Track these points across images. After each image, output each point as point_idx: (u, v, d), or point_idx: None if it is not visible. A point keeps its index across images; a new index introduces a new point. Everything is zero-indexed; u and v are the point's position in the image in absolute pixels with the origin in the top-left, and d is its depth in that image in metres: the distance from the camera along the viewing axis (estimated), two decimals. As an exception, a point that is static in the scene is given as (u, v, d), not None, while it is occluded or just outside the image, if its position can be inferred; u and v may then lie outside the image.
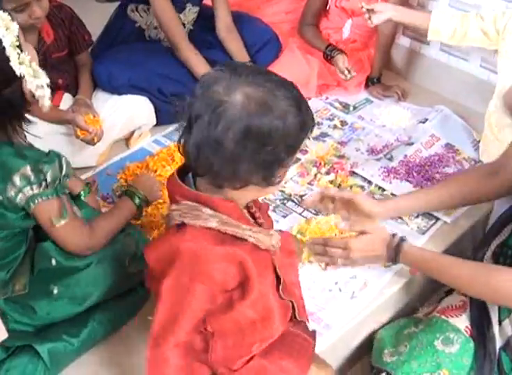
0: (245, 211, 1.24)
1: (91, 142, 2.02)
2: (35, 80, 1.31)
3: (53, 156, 1.41)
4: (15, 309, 1.49)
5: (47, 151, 1.42)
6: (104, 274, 1.52)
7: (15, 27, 1.29)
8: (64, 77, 2.12)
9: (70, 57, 2.14)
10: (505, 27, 1.94)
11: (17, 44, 1.28)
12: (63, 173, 1.41)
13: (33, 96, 1.34)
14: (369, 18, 2.08)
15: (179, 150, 1.16)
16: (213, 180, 1.13)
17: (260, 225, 1.26)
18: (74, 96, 2.14)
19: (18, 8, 1.87)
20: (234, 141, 1.06)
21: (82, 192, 1.71)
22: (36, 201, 1.37)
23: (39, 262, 1.49)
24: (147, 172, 2.03)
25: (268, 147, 1.07)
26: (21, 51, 1.29)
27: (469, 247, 1.95)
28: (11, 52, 1.27)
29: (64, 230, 1.42)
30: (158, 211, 1.91)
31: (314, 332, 1.42)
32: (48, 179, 1.37)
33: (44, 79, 1.32)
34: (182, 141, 1.13)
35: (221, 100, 1.05)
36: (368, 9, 2.08)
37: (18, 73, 1.29)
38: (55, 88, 2.09)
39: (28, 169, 1.34)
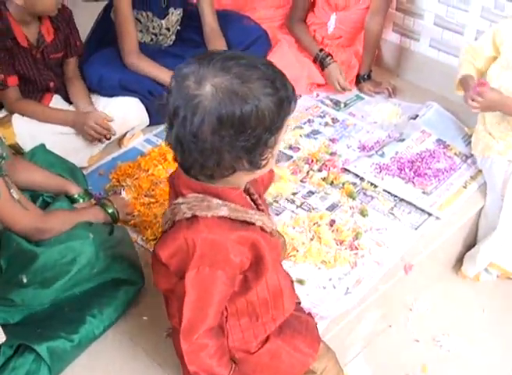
0: (248, 197, 1.27)
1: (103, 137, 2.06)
2: None
3: None
4: None
5: None
6: (71, 251, 1.50)
7: None
8: (55, 80, 2.12)
9: (63, 60, 2.14)
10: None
11: None
12: None
13: None
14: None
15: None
16: (202, 172, 1.14)
17: (261, 211, 1.29)
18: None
19: None
20: (210, 132, 1.06)
21: (78, 196, 1.73)
22: None
23: (4, 249, 1.50)
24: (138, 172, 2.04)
25: (246, 133, 1.07)
26: None
27: (460, 243, 1.96)
28: None
29: (2, 210, 1.43)
30: (150, 210, 1.91)
31: (310, 314, 1.49)
32: None
33: None
34: (168, 138, 1.14)
35: (193, 94, 1.05)
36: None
37: None
38: (44, 90, 2.09)
39: None
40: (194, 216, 1.16)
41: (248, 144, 1.08)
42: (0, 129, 1.95)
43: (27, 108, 2.01)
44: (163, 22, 2.37)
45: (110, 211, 1.73)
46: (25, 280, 1.47)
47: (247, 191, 1.28)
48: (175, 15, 2.40)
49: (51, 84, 2.10)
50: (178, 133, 1.08)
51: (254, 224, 1.20)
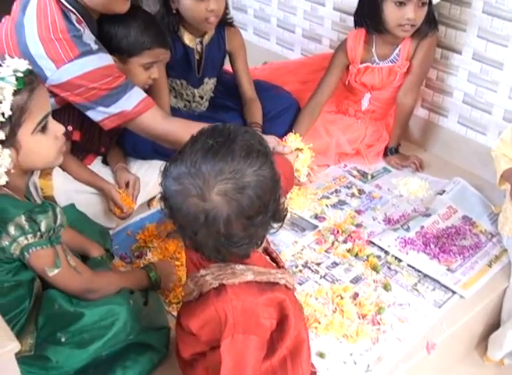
0: (267, 257, 1.31)
1: (120, 218, 2.09)
2: None
3: (47, 206, 1.44)
4: (27, 363, 1.47)
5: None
6: (110, 316, 1.51)
7: (7, 104, 1.31)
8: (107, 146, 2.20)
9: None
10: None
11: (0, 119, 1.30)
12: (58, 222, 1.44)
13: None
14: None
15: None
16: (238, 256, 1.21)
17: (281, 267, 1.32)
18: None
19: (147, 65, 2.02)
20: (242, 229, 1.14)
21: (100, 257, 1.77)
22: (30, 250, 1.40)
23: (44, 308, 1.51)
24: (164, 232, 2.07)
25: (268, 207, 1.15)
26: (0, 126, 1.31)
27: (483, 323, 1.94)
28: None
29: (58, 277, 1.46)
30: (174, 275, 1.92)
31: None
32: (42, 229, 1.40)
33: (5, 161, 1.35)
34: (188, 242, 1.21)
35: (206, 209, 1.11)
36: None
37: None
38: (94, 152, 2.17)
39: (22, 219, 1.37)
40: (221, 285, 1.19)
41: (273, 211, 1.17)
42: (40, 180, 1.99)
43: (70, 164, 2.05)
44: (196, 91, 2.45)
45: (153, 278, 1.74)
46: (63, 339, 1.47)
47: (265, 251, 1.31)
48: (209, 84, 2.48)
49: (102, 149, 2.18)
50: (207, 242, 1.15)
51: (278, 283, 1.23)
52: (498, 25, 2.27)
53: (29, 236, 1.38)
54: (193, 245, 1.20)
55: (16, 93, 1.32)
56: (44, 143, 1.42)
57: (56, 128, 1.46)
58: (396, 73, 2.45)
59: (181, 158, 1.15)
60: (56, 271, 1.44)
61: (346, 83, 2.53)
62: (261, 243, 1.24)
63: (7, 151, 1.34)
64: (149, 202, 2.27)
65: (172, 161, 1.17)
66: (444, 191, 2.34)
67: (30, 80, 1.37)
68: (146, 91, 2.18)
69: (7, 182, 1.37)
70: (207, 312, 1.19)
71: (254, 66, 2.71)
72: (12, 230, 1.37)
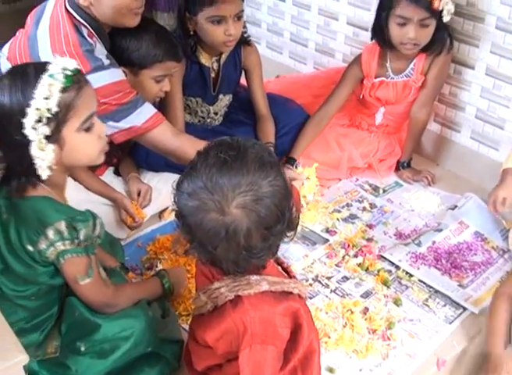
0: (279, 267, 1.32)
1: (131, 228, 2.10)
2: (39, 152, 1.35)
3: (88, 216, 1.45)
4: (50, 369, 1.50)
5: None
6: (129, 327, 1.52)
7: (54, 100, 1.33)
8: (119, 158, 2.22)
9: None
10: None
11: (46, 114, 1.32)
12: (96, 233, 1.46)
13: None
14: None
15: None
16: (255, 267, 1.23)
17: (292, 277, 1.33)
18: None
19: (159, 78, 2.02)
20: (261, 240, 1.15)
21: (116, 268, 1.76)
22: (66, 256, 1.41)
23: (66, 315, 1.52)
24: (181, 249, 2.07)
25: (285, 216, 1.17)
26: (46, 121, 1.33)
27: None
28: (30, 118, 1.32)
29: (87, 288, 1.47)
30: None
31: None
32: (81, 237, 1.41)
33: (49, 155, 1.36)
34: (202, 258, 1.22)
35: (225, 223, 1.12)
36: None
37: (28, 138, 1.33)
38: (106, 163, 2.19)
39: (63, 225, 1.39)
40: (237, 296, 1.20)
41: (287, 221, 1.19)
42: None
43: (82, 174, 2.06)
44: (211, 108, 2.46)
45: (166, 285, 1.74)
46: (83, 349, 1.48)
47: (276, 261, 1.32)
48: (224, 100, 2.49)
49: (115, 160, 2.20)
50: (227, 256, 1.16)
51: (292, 293, 1.24)
52: (511, 41, 2.27)
53: (66, 242, 1.40)
54: (211, 260, 1.20)
55: (63, 90, 1.35)
56: (88, 141, 1.44)
57: (100, 128, 1.48)
58: (411, 87, 2.45)
59: (195, 173, 1.16)
60: (87, 281, 1.46)
61: (361, 97, 2.53)
62: (276, 252, 1.25)
63: (51, 147, 1.36)
64: (160, 214, 2.28)
65: (184, 176, 1.18)
66: (456, 206, 2.33)
67: (78, 79, 1.40)
68: (161, 107, 2.21)
69: (48, 177, 1.39)
70: (224, 324, 1.20)
71: (267, 79, 2.72)
72: (51, 234, 1.38)
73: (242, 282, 1.20)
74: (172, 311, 1.77)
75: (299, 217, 1.26)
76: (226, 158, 1.14)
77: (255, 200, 1.13)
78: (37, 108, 1.32)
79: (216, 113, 2.49)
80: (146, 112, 1.91)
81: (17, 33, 1.96)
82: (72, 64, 1.40)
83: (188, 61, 2.29)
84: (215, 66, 2.39)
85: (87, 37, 1.85)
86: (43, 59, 1.78)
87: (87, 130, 1.43)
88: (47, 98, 1.32)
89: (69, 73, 1.37)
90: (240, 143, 1.19)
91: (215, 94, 2.44)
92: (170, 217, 2.27)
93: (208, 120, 2.49)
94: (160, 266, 2.00)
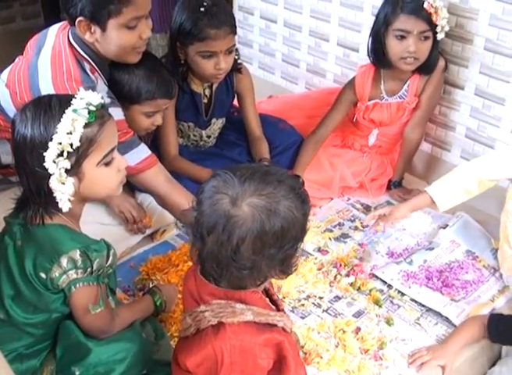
0: (267, 299, 1.30)
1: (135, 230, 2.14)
2: (59, 186, 1.36)
3: (102, 245, 1.46)
4: None
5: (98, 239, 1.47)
6: (123, 350, 1.52)
7: (77, 135, 1.34)
8: None
9: None
10: None
11: (67, 149, 1.33)
12: (108, 263, 1.47)
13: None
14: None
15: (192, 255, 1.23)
16: (233, 283, 1.19)
17: (281, 310, 1.32)
18: None
19: (149, 113, 2.03)
20: (252, 251, 1.13)
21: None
22: (77, 285, 1.41)
23: (61, 339, 1.52)
24: (168, 266, 2.07)
25: (283, 246, 1.16)
26: (67, 155, 1.34)
27: (485, 359, 1.93)
28: (52, 152, 1.33)
29: (95, 317, 1.47)
30: (177, 306, 1.92)
31: None
32: (94, 267, 1.42)
33: (69, 189, 1.37)
34: (194, 249, 1.20)
35: (230, 215, 1.12)
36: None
37: (48, 171, 1.34)
38: None
39: (77, 254, 1.39)
40: (220, 323, 1.18)
41: (283, 256, 1.18)
42: None
43: None
44: (204, 132, 2.47)
45: (158, 303, 1.74)
46: (77, 373, 1.48)
47: (266, 293, 1.31)
48: (217, 124, 2.50)
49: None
50: (213, 251, 1.13)
51: (276, 325, 1.22)
52: (500, 61, 2.30)
53: (79, 271, 1.40)
54: (199, 254, 1.19)
55: (86, 125, 1.36)
56: (107, 175, 1.45)
57: (120, 161, 1.49)
58: (405, 109, 2.47)
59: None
60: (99, 310, 1.46)
61: (354, 120, 2.55)
62: (261, 284, 1.24)
63: (71, 180, 1.36)
64: (152, 235, 2.28)
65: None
66: (447, 225, 2.34)
67: (102, 114, 1.41)
68: (155, 132, 2.24)
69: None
70: (204, 350, 1.19)
71: (259, 100, 2.74)
72: (64, 262, 1.39)
73: (227, 309, 1.19)
74: (165, 332, 1.76)
75: (291, 273, 1.25)
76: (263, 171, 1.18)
77: (268, 209, 1.13)
78: (59, 143, 1.33)
79: (209, 136, 2.51)
80: (140, 153, 1.92)
81: (17, 60, 1.96)
82: (96, 99, 1.40)
83: (180, 88, 2.30)
84: (207, 91, 2.40)
85: (89, 72, 1.84)
86: (42, 89, 1.78)
87: (107, 164, 1.44)
88: (69, 133, 1.33)
89: (92, 108, 1.37)
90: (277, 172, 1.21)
91: (207, 119, 2.45)
92: (162, 238, 2.27)
93: (201, 143, 2.51)
94: (152, 287, 2.00)
